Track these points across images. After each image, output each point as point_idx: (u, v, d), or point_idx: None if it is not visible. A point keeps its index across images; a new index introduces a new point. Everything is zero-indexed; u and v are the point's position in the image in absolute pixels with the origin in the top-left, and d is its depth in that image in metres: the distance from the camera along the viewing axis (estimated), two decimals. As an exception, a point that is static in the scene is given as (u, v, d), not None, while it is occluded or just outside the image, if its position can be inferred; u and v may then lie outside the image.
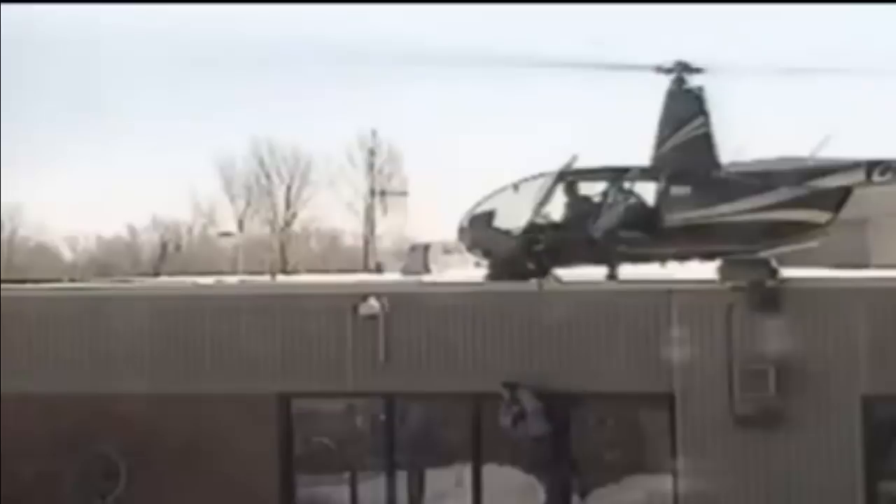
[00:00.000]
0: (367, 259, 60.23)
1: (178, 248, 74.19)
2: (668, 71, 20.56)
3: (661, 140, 20.52)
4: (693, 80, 20.62)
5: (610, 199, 20.55)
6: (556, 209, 20.56)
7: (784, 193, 19.73)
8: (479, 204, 20.93)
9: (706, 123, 20.48)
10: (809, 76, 21.96)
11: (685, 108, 20.54)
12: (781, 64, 22.06)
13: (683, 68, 20.55)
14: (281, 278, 29.35)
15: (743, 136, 21.68)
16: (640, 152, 20.96)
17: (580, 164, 20.86)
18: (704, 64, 20.66)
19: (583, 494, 19.59)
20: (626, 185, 20.58)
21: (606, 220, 20.32)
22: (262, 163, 72.80)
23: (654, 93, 20.79)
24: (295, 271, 50.22)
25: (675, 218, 19.98)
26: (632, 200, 20.48)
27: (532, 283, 19.85)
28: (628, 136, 21.38)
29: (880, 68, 22.33)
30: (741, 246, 19.60)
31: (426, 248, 33.34)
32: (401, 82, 67.93)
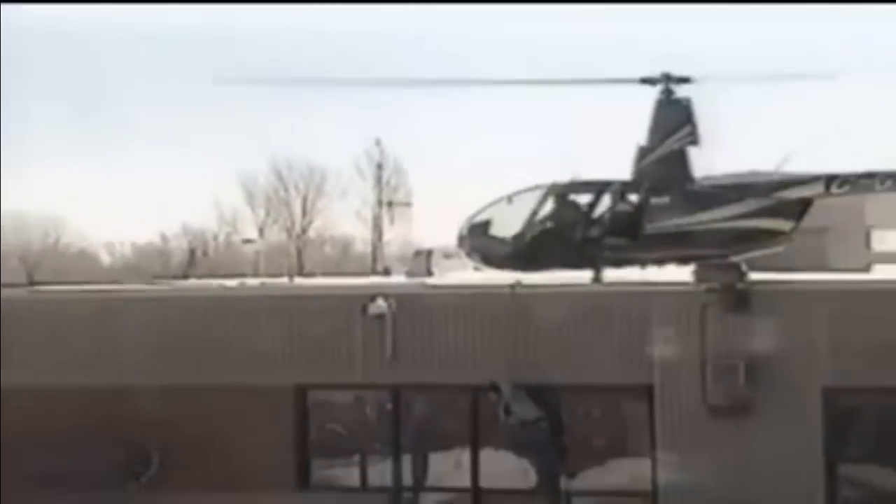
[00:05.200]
0: (375, 263, 61.10)
1: (205, 253, 75.57)
2: (655, 82, 20.61)
3: (644, 153, 20.59)
4: (680, 91, 20.45)
5: (597, 209, 20.64)
6: (547, 218, 20.78)
7: (752, 204, 20.06)
8: (476, 214, 21.30)
9: (690, 134, 20.43)
10: (789, 82, 22.25)
11: (670, 119, 20.51)
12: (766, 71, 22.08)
13: (670, 79, 20.58)
14: (298, 281, 29.73)
15: (743, 144, 21.85)
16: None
17: (575, 174, 20.92)
18: (691, 73, 20.54)
19: (570, 476, 20.09)
20: (612, 195, 20.61)
21: (593, 229, 20.55)
22: (280, 176, 75.06)
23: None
24: (311, 274, 50.85)
25: (654, 226, 20.31)
26: (620, 207, 20.53)
27: (525, 285, 20.09)
28: (626, 144, 21.38)
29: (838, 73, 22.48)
30: (714, 251, 20.04)
31: (429, 253, 33.74)
32: (406, 101, 69.20)
